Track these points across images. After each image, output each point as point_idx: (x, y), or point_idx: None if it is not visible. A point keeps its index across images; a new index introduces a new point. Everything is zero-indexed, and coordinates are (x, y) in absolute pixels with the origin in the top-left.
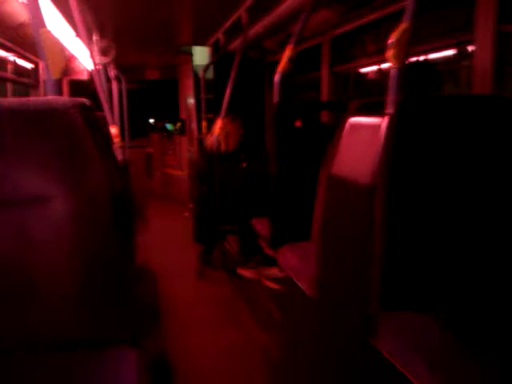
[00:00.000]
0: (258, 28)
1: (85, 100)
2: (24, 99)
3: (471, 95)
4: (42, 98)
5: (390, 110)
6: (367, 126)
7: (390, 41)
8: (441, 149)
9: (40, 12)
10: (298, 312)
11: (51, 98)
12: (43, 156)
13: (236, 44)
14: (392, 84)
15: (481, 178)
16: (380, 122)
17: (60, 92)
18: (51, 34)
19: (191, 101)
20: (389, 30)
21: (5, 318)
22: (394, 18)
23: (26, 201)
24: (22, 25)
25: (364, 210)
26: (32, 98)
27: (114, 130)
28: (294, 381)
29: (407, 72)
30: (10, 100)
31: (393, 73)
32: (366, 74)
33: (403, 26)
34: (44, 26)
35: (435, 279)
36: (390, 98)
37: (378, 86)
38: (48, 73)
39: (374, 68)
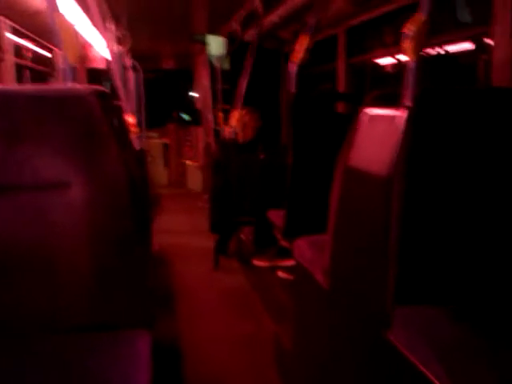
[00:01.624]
0: (273, 18)
1: (102, 88)
2: (43, 86)
3: (490, 88)
4: (60, 85)
5: (407, 102)
6: (385, 118)
7: (406, 33)
8: (459, 142)
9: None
10: (312, 303)
11: (69, 85)
12: (62, 142)
13: (252, 34)
14: (409, 76)
15: (499, 173)
16: (398, 113)
17: (76, 79)
18: (66, 20)
19: (207, 88)
20: (406, 20)
21: (23, 299)
22: (412, 9)
23: (45, 186)
24: (37, 12)
25: (380, 202)
26: (50, 85)
27: (130, 120)
28: (307, 372)
29: (426, 65)
30: (30, 87)
31: (410, 65)
32: (382, 66)
33: (420, 17)
34: (58, 10)
35: (449, 273)
36: (408, 91)
37: (394, 78)
38: (65, 60)
39: (392, 60)
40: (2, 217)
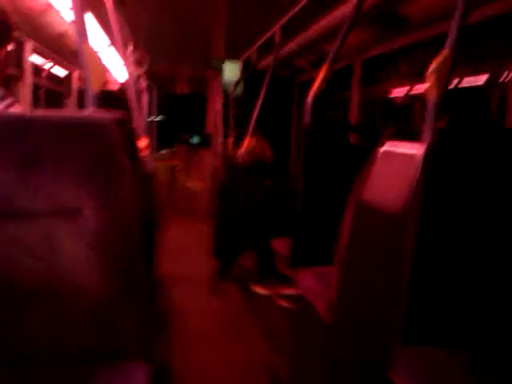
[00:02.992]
0: (290, 46)
1: (122, 114)
2: (62, 113)
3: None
4: (81, 112)
5: (427, 139)
6: (402, 155)
7: (430, 68)
8: (477, 183)
9: (85, 27)
10: (313, 336)
11: (91, 111)
12: (79, 169)
13: (267, 61)
14: (430, 113)
15: None
16: (416, 151)
17: (99, 105)
18: (92, 48)
19: (219, 112)
20: (423, 54)
21: (29, 329)
22: (429, 43)
23: (58, 212)
24: (61, 35)
25: (392, 240)
26: (70, 112)
27: (143, 143)
28: None
29: (451, 99)
30: (48, 113)
31: (432, 101)
32: (393, 98)
33: (444, 53)
34: (87, 41)
35: (460, 316)
36: (428, 127)
37: (405, 110)
38: (89, 86)
39: (404, 92)
40: (13, 243)
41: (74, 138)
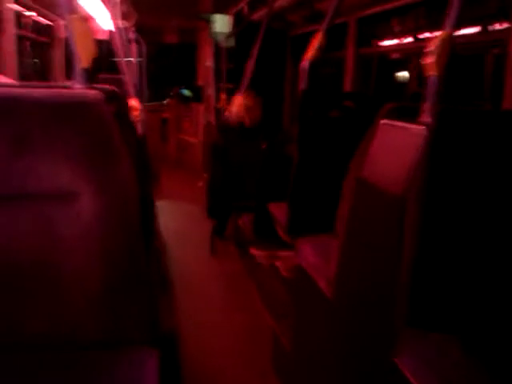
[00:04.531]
0: (282, 2)
1: (113, 88)
2: (52, 89)
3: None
4: (71, 90)
5: (427, 119)
6: (402, 133)
7: (429, 48)
8: (478, 163)
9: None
10: (313, 309)
11: (80, 88)
12: (72, 151)
13: (259, 14)
14: (430, 92)
15: None
16: (416, 130)
17: (90, 82)
18: (83, 22)
19: (210, 66)
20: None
21: (29, 315)
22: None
23: (53, 196)
24: None
25: (393, 219)
26: (60, 89)
27: (134, 103)
28: (305, 377)
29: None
30: (39, 91)
31: (431, 80)
32: (388, 54)
33: (444, 33)
34: (75, 12)
35: (463, 300)
36: (428, 107)
37: (401, 65)
38: (78, 62)
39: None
40: (5, 228)
41: (64, 118)
